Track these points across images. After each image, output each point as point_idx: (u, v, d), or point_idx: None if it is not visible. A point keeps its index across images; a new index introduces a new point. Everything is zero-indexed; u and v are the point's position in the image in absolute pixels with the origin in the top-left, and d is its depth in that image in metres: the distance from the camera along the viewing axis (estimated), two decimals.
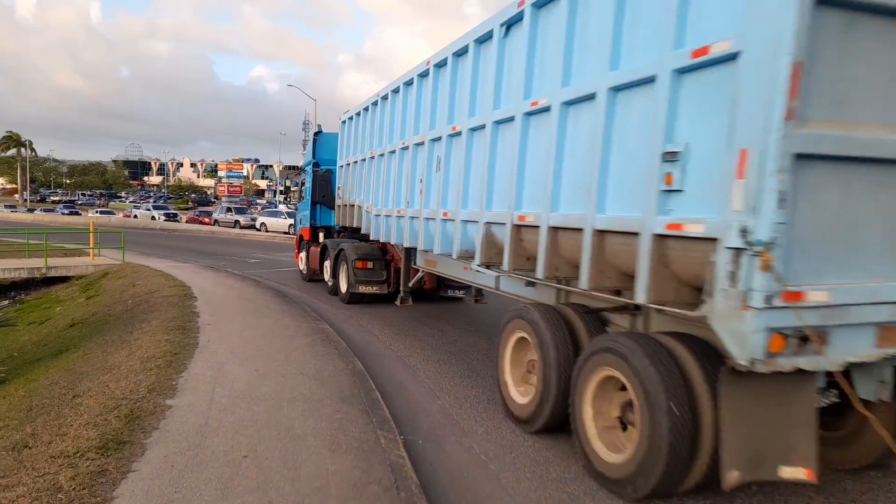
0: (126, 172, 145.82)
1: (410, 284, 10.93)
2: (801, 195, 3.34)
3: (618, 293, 4.71)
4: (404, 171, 8.75)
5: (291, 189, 62.92)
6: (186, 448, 4.70)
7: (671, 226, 3.86)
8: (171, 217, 47.91)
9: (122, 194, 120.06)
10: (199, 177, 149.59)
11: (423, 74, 8.04)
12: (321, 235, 14.42)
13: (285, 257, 22.15)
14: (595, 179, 4.58)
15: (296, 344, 8.31)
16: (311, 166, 14.46)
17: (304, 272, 15.25)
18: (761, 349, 3.36)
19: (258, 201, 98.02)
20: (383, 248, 11.33)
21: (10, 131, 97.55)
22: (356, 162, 11.54)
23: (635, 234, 4.15)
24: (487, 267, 6.53)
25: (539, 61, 5.47)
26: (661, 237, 3.96)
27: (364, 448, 4.85)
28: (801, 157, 3.27)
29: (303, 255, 15.44)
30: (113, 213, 52.94)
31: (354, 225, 11.73)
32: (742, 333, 3.37)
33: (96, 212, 52.77)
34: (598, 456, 4.41)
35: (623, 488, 4.12)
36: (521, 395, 5.60)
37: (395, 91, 9.16)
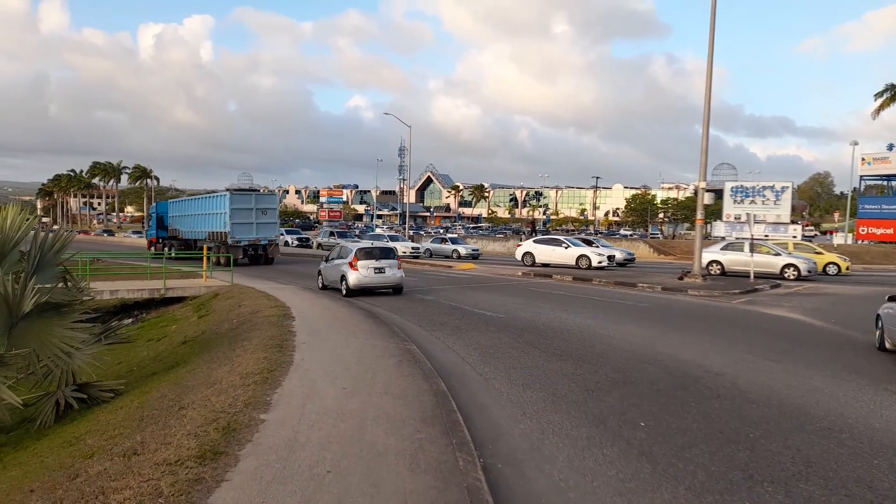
0: None
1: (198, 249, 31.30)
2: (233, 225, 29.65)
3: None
4: (191, 219, 34.92)
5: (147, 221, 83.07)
6: (275, 461, 4.95)
7: (223, 231, 30.03)
8: (304, 242, 47.65)
9: None
10: (302, 202, 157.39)
11: (193, 199, 37.93)
12: (161, 240, 38.60)
13: None
14: (215, 225, 31.24)
15: (383, 364, 8.53)
16: (154, 213, 40.82)
17: (152, 250, 37.25)
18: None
19: (357, 224, 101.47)
20: (187, 241, 34.96)
21: (138, 164, 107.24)
22: (176, 216, 37.38)
23: (224, 232, 29.95)
24: (211, 241, 31.05)
25: (213, 204, 32.17)
26: (222, 232, 29.99)
27: (442, 469, 4.89)
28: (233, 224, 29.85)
29: (152, 248, 39.32)
30: None
31: (178, 237, 36.61)
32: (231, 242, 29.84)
33: None
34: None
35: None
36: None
37: (188, 199, 39.57)
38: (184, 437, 5.50)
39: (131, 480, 4.62)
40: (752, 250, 24.80)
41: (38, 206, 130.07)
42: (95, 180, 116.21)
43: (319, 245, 46.72)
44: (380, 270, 17.59)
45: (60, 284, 9.44)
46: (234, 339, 10.83)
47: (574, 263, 28.06)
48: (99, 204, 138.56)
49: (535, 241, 31.81)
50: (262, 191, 30.43)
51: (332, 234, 47.95)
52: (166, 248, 36.46)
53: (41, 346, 8.35)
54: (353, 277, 17.38)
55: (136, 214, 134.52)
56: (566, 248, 29.15)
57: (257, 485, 4.51)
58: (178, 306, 19.13)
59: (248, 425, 5.78)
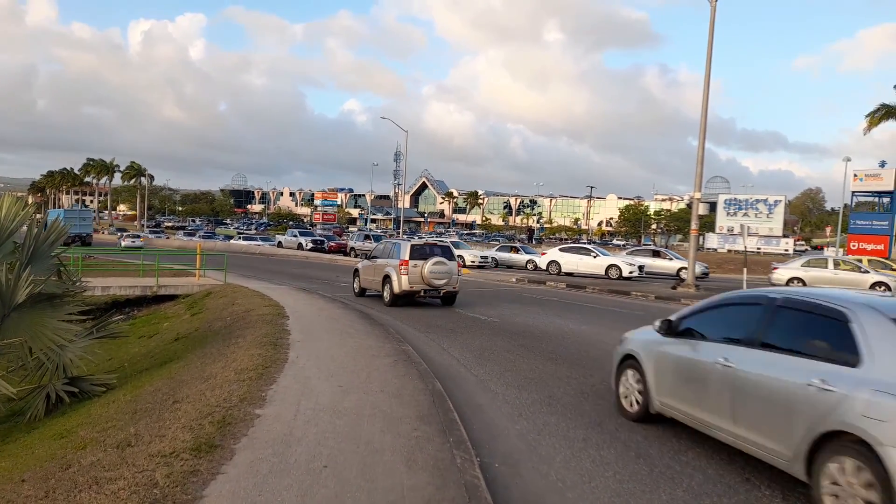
0: (231, 201, 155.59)
1: None
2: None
3: None
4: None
5: None
6: (271, 455, 4.90)
7: None
8: (319, 245, 44.38)
9: (227, 221, 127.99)
10: (296, 205, 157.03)
11: (55, 210, 52.54)
12: None
13: None
14: None
15: (378, 363, 8.49)
16: (45, 220, 42.10)
17: None
18: None
19: (350, 229, 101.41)
20: None
21: (133, 162, 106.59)
22: (49, 221, 36.16)
23: None
24: None
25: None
26: None
27: (440, 466, 4.86)
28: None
29: None
30: (270, 241, 49.89)
31: None
32: None
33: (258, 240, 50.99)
34: None
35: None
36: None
37: (55, 210, 54.42)
38: (178, 429, 5.45)
39: (125, 471, 4.57)
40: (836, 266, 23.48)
41: (30, 201, 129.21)
42: (88, 178, 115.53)
43: (352, 249, 43.08)
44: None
45: (54, 277, 9.37)
46: (227, 336, 10.77)
47: (603, 273, 27.28)
48: (91, 202, 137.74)
49: (560, 250, 30.45)
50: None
51: (366, 237, 44.67)
52: None
53: (34, 338, 8.26)
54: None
55: (129, 213, 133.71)
56: (594, 257, 28.32)
57: (253, 478, 4.46)
58: (171, 304, 19.02)
59: (243, 420, 5.73)
